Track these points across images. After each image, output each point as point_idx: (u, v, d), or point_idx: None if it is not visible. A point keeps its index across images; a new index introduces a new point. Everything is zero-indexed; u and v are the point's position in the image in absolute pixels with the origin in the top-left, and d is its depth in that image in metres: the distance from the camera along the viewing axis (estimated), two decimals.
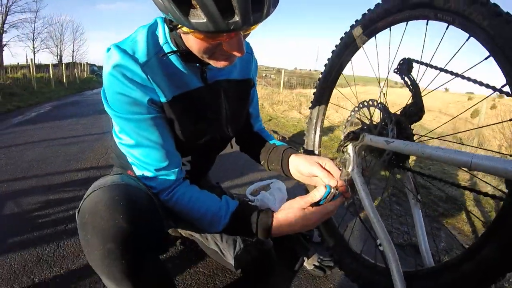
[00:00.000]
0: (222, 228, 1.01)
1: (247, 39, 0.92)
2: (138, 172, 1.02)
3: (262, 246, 1.39)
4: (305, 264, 1.70)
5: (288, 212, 0.97)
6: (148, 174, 1.00)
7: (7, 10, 29.01)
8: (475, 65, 0.86)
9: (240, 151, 1.48)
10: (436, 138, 1.02)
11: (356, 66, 1.42)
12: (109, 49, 0.91)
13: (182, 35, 0.89)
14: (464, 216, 2.97)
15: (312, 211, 0.97)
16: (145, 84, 0.92)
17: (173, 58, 0.96)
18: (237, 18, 0.67)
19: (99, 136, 4.70)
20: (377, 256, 1.12)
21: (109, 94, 0.92)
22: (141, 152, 0.99)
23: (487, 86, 0.82)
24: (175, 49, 0.95)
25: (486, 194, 0.84)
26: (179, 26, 0.76)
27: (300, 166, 1.16)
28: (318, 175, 1.07)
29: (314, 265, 1.68)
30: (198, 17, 0.68)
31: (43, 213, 2.16)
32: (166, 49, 0.95)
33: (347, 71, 1.37)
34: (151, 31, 0.96)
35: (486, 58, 0.79)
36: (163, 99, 0.96)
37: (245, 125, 1.36)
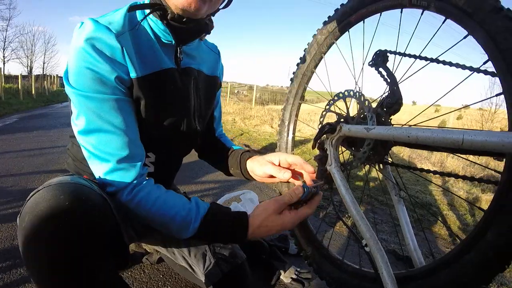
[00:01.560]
0: (192, 233, 0.90)
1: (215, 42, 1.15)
2: (95, 166, 0.90)
3: (235, 260, 1.28)
4: (281, 277, 1.62)
5: (263, 217, 0.90)
6: (107, 166, 0.88)
7: None
8: (452, 46, 0.82)
9: (198, 157, 1.42)
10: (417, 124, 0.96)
11: (330, 62, 1.38)
12: (82, 23, 0.85)
13: None
14: (440, 221, 2.98)
15: (289, 216, 0.91)
16: (115, 59, 0.86)
17: (149, 35, 0.95)
18: None
19: (64, 148, 4.46)
20: (362, 260, 1.05)
21: (74, 69, 0.84)
22: (100, 138, 0.87)
23: (464, 67, 0.78)
24: (154, 23, 0.96)
25: (480, 180, 0.79)
26: None
27: (254, 168, 1.15)
28: (271, 173, 1.07)
29: (291, 278, 1.59)
30: None
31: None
32: (145, 23, 0.95)
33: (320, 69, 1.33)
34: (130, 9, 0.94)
35: (465, 37, 0.75)
36: (133, 75, 0.90)
37: (208, 128, 1.32)
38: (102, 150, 0.87)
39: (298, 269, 1.64)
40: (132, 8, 0.91)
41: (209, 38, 1.19)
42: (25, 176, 3.06)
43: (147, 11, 0.93)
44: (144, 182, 0.93)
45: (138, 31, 0.93)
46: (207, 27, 1.03)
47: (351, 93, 0.98)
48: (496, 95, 0.71)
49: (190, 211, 0.90)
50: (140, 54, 0.92)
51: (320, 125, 1.00)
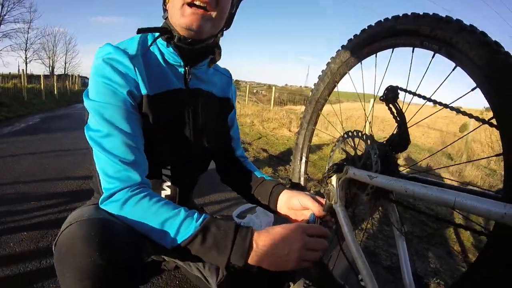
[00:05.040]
0: (193, 231, 0.85)
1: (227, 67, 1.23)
2: (104, 167, 0.94)
3: (246, 273, 1.34)
4: None
5: (269, 228, 0.90)
6: (114, 169, 0.93)
7: (0, 19, 28.95)
8: (461, 97, 0.84)
9: (221, 181, 1.43)
10: (424, 171, 0.98)
11: (343, 85, 1.41)
12: (102, 46, 0.99)
13: (168, 5, 1.01)
14: (453, 235, 2.95)
15: (294, 227, 0.89)
16: (129, 75, 0.97)
17: (158, 58, 1.05)
18: None
19: (87, 150, 4.57)
20: None
21: (92, 84, 0.96)
22: (110, 142, 0.93)
23: (477, 118, 0.80)
24: (162, 47, 1.06)
25: (473, 230, 0.81)
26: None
27: (291, 199, 1.15)
28: (307, 204, 1.08)
29: None
30: None
31: (28, 228, 2.11)
32: (153, 47, 1.05)
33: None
34: (143, 37, 1.06)
35: (472, 89, 0.76)
36: (144, 91, 0.99)
37: (227, 149, 1.36)
38: (110, 154, 0.93)
39: (307, 282, 1.66)
40: (141, 31, 1.01)
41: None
42: (50, 181, 3.17)
43: (156, 35, 1.03)
44: (148, 188, 0.96)
45: (149, 54, 1.04)
46: (214, 51, 1.11)
47: (359, 134, 1.01)
48: None
49: (193, 212, 0.92)
50: (150, 74, 1.01)
51: (329, 164, 1.04)
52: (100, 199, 0.93)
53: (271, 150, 5.94)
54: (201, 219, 0.87)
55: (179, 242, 0.85)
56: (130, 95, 0.97)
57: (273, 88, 18.26)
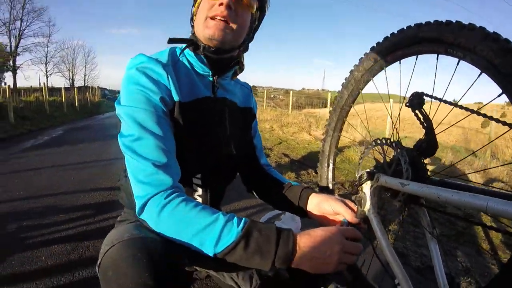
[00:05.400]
0: (235, 237, 0.83)
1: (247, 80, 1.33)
2: (137, 171, 0.95)
3: (279, 279, 1.36)
4: None
5: (310, 230, 0.89)
6: (146, 173, 0.93)
7: (20, 34, 29.99)
8: (488, 103, 0.86)
9: (247, 191, 1.44)
10: (454, 177, 0.98)
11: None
12: (135, 56, 1.05)
13: (195, 22, 1.10)
14: (482, 233, 2.91)
15: (333, 230, 0.89)
16: (162, 82, 1.02)
17: (188, 68, 1.12)
18: None
19: (109, 162, 4.75)
20: None
21: (125, 90, 1.01)
22: (141, 145, 0.95)
23: (504, 123, 0.81)
24: (191, 57, 1.12)
25: (504, 232, 0.82)
26: (195, 9, 1.09)
27: (322, 203, 1.16)
28: (339, 210, 1.08)
29: None
30: None
31: (58, 241, 2.17)
32: (181, 57, 1.13)
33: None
34: (172, 50, 1.13)
35: (498, 96, 0.78)
36: (176, 98, 1.04)
37: (251, 158, 1.39)
38: (143, 158, 0.94)
39: (338, 286, 1.66)
40: (171, 40, 1.09)
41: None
42: (75, 193, 3.26)
43: (184, 45, 1.11)
44: (182, 193, 0.96)
45: (179, 64, 1.11)
46: (238, 62, 1.19)
47: (388, 141, 1.04)
48: None
49: (233, 215, 0.91)
50: (181, 83, 1.07)
51: (359, 172, 1.07)
52: (137, 210, 0.93)
53: (292, 155, 5.95)
54: (242, 224, 0.86)
55: (222, 249, 0.84)
56: (163, 102, 1.01)
57: (291, 92, 18.31)
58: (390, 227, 2.63)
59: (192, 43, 1.10)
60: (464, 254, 2.50)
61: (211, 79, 1.15)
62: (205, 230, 0.86)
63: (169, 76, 1.03)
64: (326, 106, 15.01)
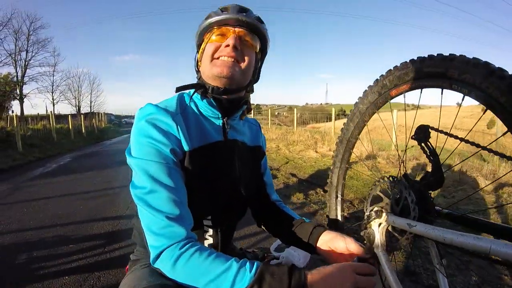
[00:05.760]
0: (249, 284, 0.86)
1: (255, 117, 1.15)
2: (150, 223, 0.98)
3: None
4: None
5: (320, 268, 0.89)
6: (160, 225, 0.96)
7: (26, 64, 30.65)
8: (495, 140, 0.86)
9: (258, 226, 1.43)
10: (463, 214, 0.97)
11: None
12: (144, 106, 1.05)
13: (200, 67, 1.13)
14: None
15: (345, 266, 0.90)
16: (172, 133, 1.02)
17: (196, 113, 1.12)
18: (232, 12, 1.07)
19: (119, 189, 4.75)
20: None
21: (136, 142, 1.01)
22: (154, 198, 0.98)
23: (509, 158, 0.81)
24: (199, 101, 1.13)
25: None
26: (199, 55, 1.13)
27: (335, 240, 1.13)
28: (352, 249, 1.06)
29: None
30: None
31: (69, 271, 2.19)
32: (191, 104, 1.13)
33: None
34: (180, 96, 1.13)
35: (503, 134, 0.78)
36: (186, 148, 1.04)
37: (262, 196, 1.39)
38: (155, 210, 0.97)
39: None
40: (179, 89, 1.10)
41: None
42: (85, 222, 3.28)
43: (192, 91, 1.12)
44: (195, 242, 0.98)
45: (187, 111, 1.10)
46: (247, 102, 1.19)
47: (395, 179, 1.05)
48: None
49: (245, 261, 0.93)
50: (190, 130, 1.06)
51: (367, 207, 1.07)
52: (151, 259, 0.96)
53: (299, 174, 5.91)
54: (254, 269, 0.88)
55: None
56: (173, 153, 1.02)
57: (295, 109, 18.44)
58: (399, 254, 2.59)
59: (200, 86, 1.10)
60: (477, 266, 2.47)
61: (220, 121, 1.16)
62: (219, 277, 0.88)
63: (178, 126, 1.03)
64: (330, 120, 15.04)
